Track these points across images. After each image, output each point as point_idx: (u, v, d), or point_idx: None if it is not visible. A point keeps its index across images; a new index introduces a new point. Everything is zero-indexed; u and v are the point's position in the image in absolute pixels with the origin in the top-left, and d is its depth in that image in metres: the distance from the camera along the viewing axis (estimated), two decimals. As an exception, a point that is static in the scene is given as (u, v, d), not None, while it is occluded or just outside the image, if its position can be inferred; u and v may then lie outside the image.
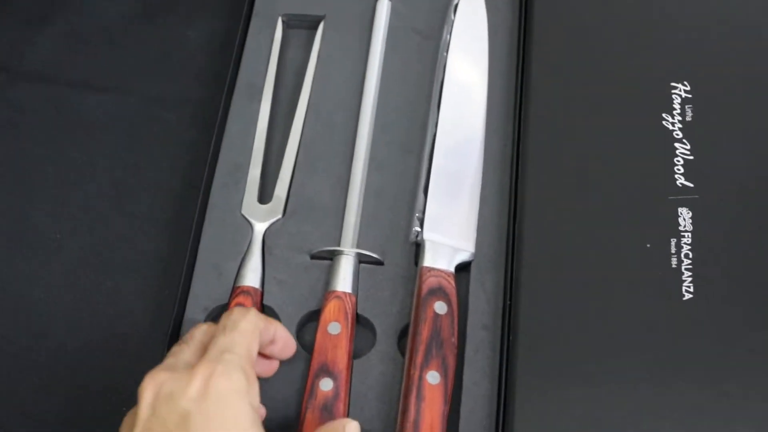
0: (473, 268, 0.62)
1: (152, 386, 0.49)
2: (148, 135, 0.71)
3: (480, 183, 0.65)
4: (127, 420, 0.50)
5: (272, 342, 0.55)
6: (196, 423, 0.47)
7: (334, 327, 0.59)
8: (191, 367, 0.49)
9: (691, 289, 0.57)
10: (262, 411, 0.55)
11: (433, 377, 0.56)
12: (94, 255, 0.67)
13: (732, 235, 0.59)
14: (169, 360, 0.52)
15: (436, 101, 0.67)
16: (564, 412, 0.55)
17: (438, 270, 0.60)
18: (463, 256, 0.62)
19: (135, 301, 0.65)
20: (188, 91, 0.73)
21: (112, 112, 0.72)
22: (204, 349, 0.52)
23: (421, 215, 0.63)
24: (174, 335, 0.60)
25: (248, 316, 0.53)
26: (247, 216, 0.65)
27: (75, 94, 0.73)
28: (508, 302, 0.59)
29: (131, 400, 0.60)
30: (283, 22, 0.72)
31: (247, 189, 0.66)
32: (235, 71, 0.70)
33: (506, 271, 0.61)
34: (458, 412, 0.57)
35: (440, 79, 0.68)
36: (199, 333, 0.53)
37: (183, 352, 0.52)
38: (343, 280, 0.61)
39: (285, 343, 0.57)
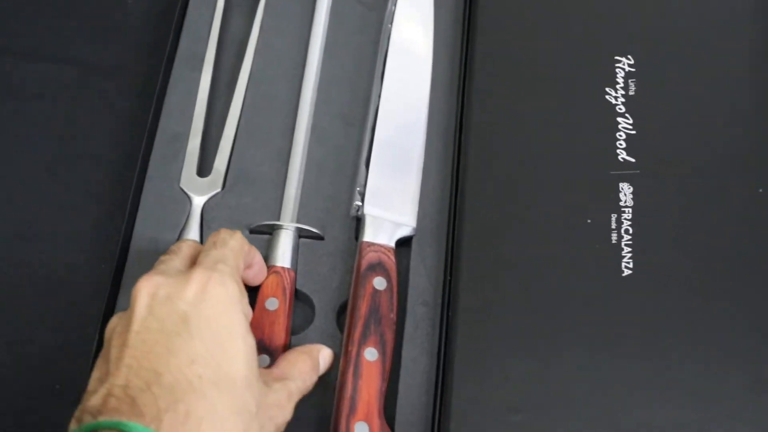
0: (414, 243, 0.61)
1: (148, 288, 0.49)
2: (85, 105, 0.69)
3: (423, 157, 0.64)
4: (117, 322, 0.49)
5: (250, 266, 0.56)
6: (196, 325, 0.48)
7: (272, 303, 0.58)
8: (184, 272, 0.51)
9: (631, 265, 0.57)
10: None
11: (370, 354, 0.55)
12: (30, 227, 0.65)
13: (672, 211, 0.59)
14: (160, 267, 0.52)
15: (380, 73, 0.66)
16: (502, 388, 0.55)
17: (378, 245, 0.59)
18: (405, 231, 0.61)
19: (71, 274, 0.63)
20: (127, 59, 0.71)
21: (47, 81, 0.70)
22: (192, 262, 0.53)
23: (362, 189, 0.62)
24: (109, 308, 0.59)
25: (236, 236, 0.54)
26: (185, 189, 0.64)
27: (8, 63, 0.71)
28: (448, 278, 0.59)
29: (66, 372, 0.59)
30: (226, -11, 0.71)
31: (185, 161, 0.64)
32: (175, 39, 0.69)
33: (447, 246, 0.60)
34: (397, 388, 0.57)
35: (384, 51, 0.67)
36: (186, 246, 0.55)
37: (172, 260, 0.53)
38: (282, 255, 0.60)
39: (260, 269, 0.58)
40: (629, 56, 0.63)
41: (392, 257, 0.59)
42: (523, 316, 0.56)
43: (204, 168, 0.65)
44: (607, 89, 0.62)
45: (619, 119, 0.61)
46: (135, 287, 0.50)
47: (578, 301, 0.56)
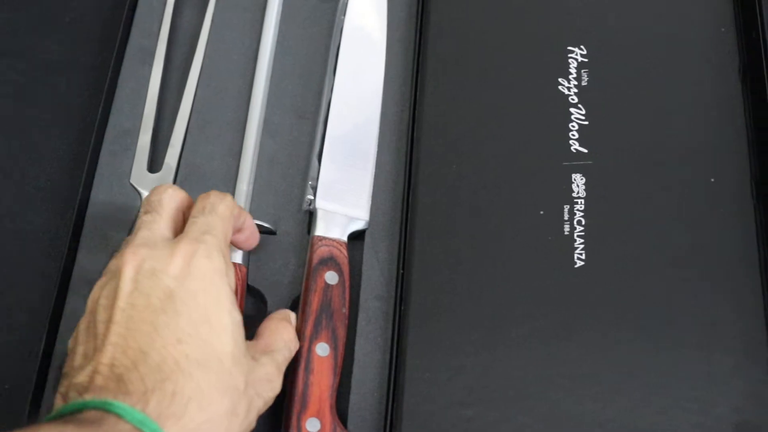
0: (367, 237, 0.61)
1: (133, 261, 0.48)
2: (35, 100, 0.68)
3: (376, 150, 0.63)
4: (100, 293, 0.49)
5: (240, 230, 0.55)
6: (181, 300, 0.47)
7: (223, 299, 0.57)
8: (169, 242, 0.50)
9: (583, 257, 0.57)
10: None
11: (322, 349, 0.55)
12: (-21, 225, 0.64)
13: (624, 202, 0.58)
14: (144, 233, 0.51)
15: (333, 66, 0.66)
16: (454, 382, 0.54)
17: (330, 239, 0.59)
18: (357, 225, 0.60)
19: (20, 273, 0.62)
20: (79, 54, 0.70)
21: (-3, 76, 0.69)
22: (176, 220, 0.52)
23: (314, 183, 0.61)
24: (58, 308, 0.58)
25: (226, 201, 0.53)
26: (135, 185, 0.63)
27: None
28: (401, 271, 0.58)
29: (14, 373, 0.58)
30: (176, -18, 0.70)
31: (136, 157, 0.64)
32: (126, 33, 0.68)
33: (400, 240, 0.60)
34: (349, 384, 0.56)
35: (337, 43, 0.66)
36: (167, 199, 0.53)
37: (156, 222, 0.52)
38: (234, 250, 0.59)
39: (252, 233, 0.57)
40: (582, 47, 0.63)
41: (344, 251, 0.58)
42: (476, 309, 0.56)
43: (155, 164, 0.64)
44: (560, 80, 0.62)
45: (572, 110, 0.61)
46: (119, 258, 0.49)
47: (531, 293, 0.56)
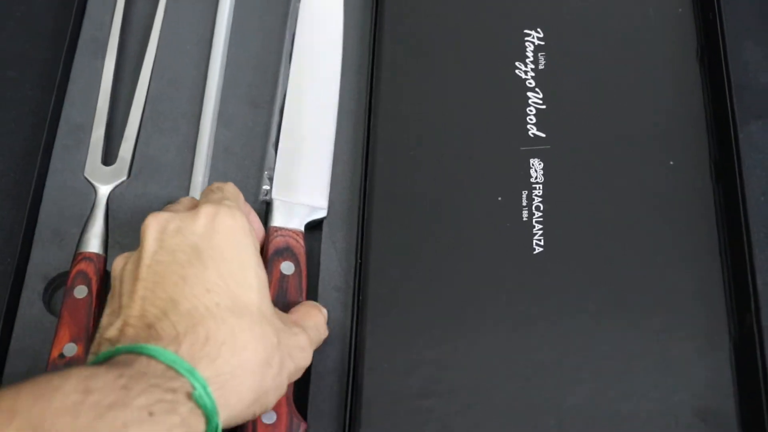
0: (325, 227, 0.60)
1: (157, 223, 0.49)
2: (-13, 94, 0.67)
3: (333, 139, 0.62)
4: (125, 261, 0.49)
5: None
6: (208, 255, 0.47)
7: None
8: (192, 210, 0.50)
9: (542, 243, 0.56)
10: None
11: None
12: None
13: (583, 186, 0.58)
14: (166, 209, 0.52)
15: (288, 54, 0.65)
16: (413, 373, 0.54)
17: (286, 229, 0.58)
18: (316, 215, 0.60)
19: (-26, 271, 0.62)
20: (31, 48, 0.69)
21: (-52, 71, 0.68)
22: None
23: (270, 173, 0.61)
24: (12, 303, 0.58)
25: (229, 185, 0.54)
26: (90, 179, 0.62)
27: None
28: (359, 261, 0.57)
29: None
30: (128, -28, 0.69)
31: (90, 150, 0.63)
32: (77, 25, 0.67)
33: (358, 229, 0.59)
34: (308, 375, 0.55)
35: (292, 31, 0.66)
36: (186, 200, 0.55)
37: (176, 206, 0.53)
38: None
39: (258, 227, 0.57)
40: (538, 29, 0.62)
41: (301, 241, 0.58)
42: (435, 299, 0.55)
43: (109, 157, 0.63)
44: (516, 63, 0.61)
45: (529, 94, 0.60)
46: (144, 224, 0.49)
47: (490, 281, 0.55)
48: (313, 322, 0.53)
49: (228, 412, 0.44)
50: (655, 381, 0.52)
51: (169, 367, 0.42)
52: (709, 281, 0.55)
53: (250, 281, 0.48)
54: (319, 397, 0.55)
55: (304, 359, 0.51)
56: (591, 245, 0.56)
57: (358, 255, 0.58)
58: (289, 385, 0.53)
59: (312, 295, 0.58)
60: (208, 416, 0.42)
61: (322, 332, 0.54)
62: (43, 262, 0.59)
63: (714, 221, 0.56)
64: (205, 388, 0.42)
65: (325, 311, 0.55)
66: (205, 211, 0.49)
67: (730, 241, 0.55)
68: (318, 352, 0.56)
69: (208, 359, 0.44)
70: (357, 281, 0.57)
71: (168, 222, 0.49)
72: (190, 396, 0.42)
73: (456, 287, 0.56)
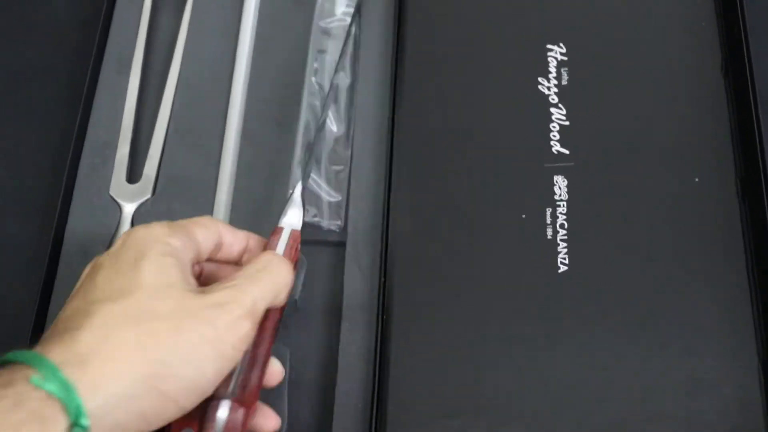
0: (348, 245, 0.60)
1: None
2: (12, 109, 0.68)
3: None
4: None
5: (220, 245, 0.51)
6: (104, 272, 0.46)
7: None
8: None
9: (567, 261, 0.56)
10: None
11: None
12: (-43, 239, 0.63)
13: (607, 204, 0.57)
14: None
15: (312, 70, 0.65)
16: (439, 392, 0.54)
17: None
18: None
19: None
20: (55, 62, 0.69)
21: (-26, 85, 0.68)
22: None
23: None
24: (40, 319, 0.58)
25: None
26: (115, 197, 0.62)
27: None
28: (383, 279, 0.57)
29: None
30: (153, -11, 0.69)
31: (115, 168, 0.63)
32: (102, 42, 0.67)
33: (381, 247, 0.59)
34: (333, 394, 0.56)
35: (317, 47, 0.65)
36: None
37: None
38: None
39: (236, 244, 0.52)
40: (561, 44, 0.62)
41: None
42: (459, 317, 0.55)
43: (134, 174, 0.63)
44: (539, 79, 0.61)
45: (552, 110, 0.60)
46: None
47: (515, 299, 0.55)
48: (270, 280, 0.48)
49: (103, 395, 0.41)
50: (682, 401, 0.52)
51: (9, 362, 0.41)
52: (736, 300, 0.54)
53: (150, 262, 0.45)
54: (344, 415, 0.55)
55: (236, 334, 0.45)
56: (616, 264, 0.56)
57: (382, 273, 0.58)
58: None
59: (336, 313, 0.58)
60: (64, 402, 0.39)
61: (282, 286, 0.49)
62: (68, 280, 0.60)
63: (741, 238, 0.56)
64: (53, 371, 0.40)
65: (288, 262, 0.50)
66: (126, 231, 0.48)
67: (757, 259, 0.55)
68: (343, 371, 0.56)
69: (62, 345, 0.41)
70: (381, 300, 0.57)
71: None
72: (29, 380, 0.39)
73: (481, 305, 0.55)
